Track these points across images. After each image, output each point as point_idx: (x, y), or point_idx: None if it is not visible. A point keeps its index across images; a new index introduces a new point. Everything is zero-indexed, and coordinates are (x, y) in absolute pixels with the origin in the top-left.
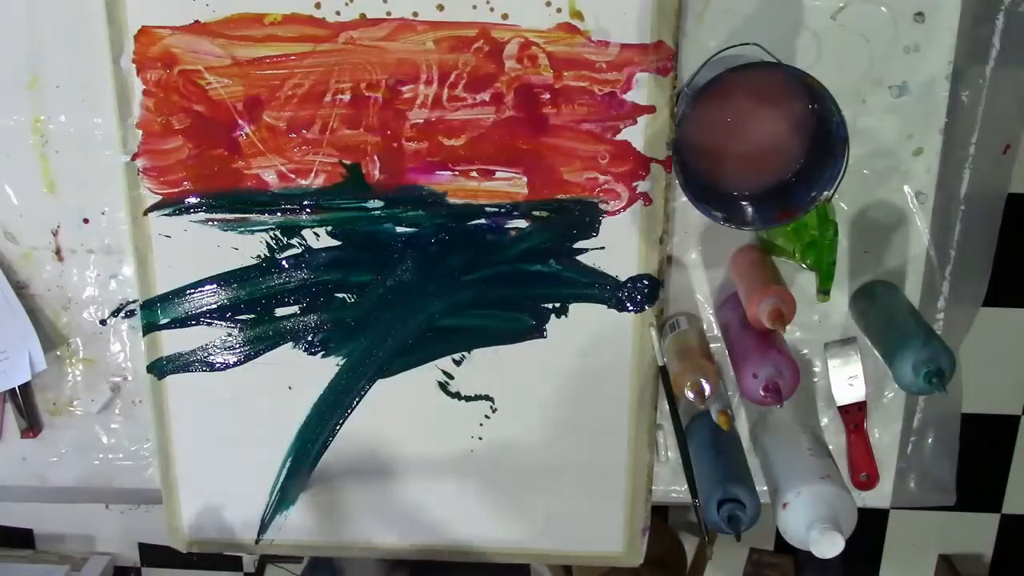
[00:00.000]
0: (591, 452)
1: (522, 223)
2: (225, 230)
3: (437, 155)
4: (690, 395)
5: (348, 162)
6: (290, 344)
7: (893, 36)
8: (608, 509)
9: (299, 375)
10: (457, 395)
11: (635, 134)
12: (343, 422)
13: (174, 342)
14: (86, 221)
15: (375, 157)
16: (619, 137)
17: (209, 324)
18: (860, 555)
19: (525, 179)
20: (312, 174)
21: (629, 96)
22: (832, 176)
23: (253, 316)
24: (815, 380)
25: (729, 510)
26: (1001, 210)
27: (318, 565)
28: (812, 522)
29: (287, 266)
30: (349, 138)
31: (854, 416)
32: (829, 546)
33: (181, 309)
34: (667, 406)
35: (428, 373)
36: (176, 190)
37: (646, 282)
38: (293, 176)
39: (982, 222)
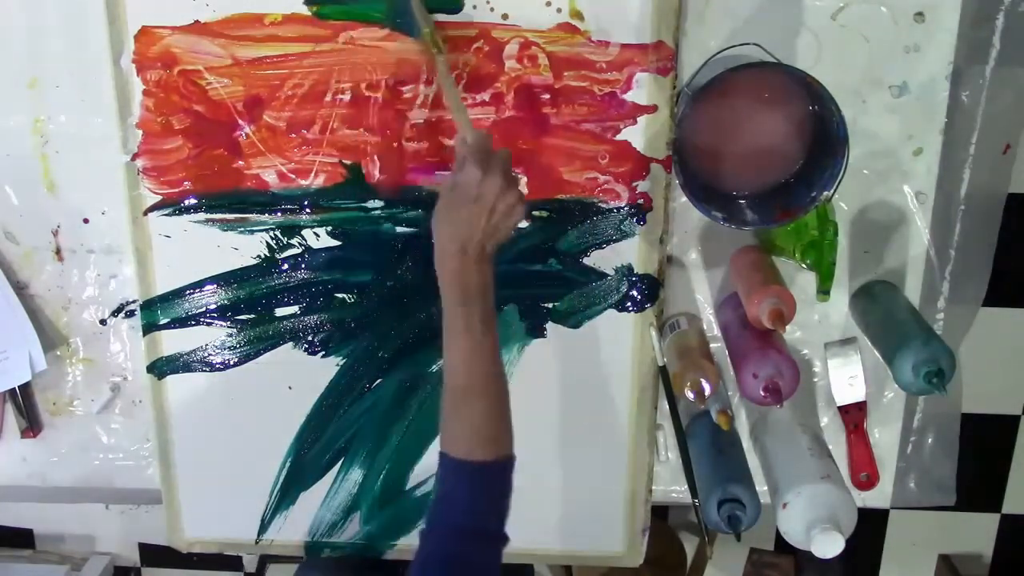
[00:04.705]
0: (591, 452)
1: (522, 223)
2: (225, 230)
3: (437, 155)
4: (690, 395)
5: (348, 162)
6: (290, 344)
7: (893, 36)
8: (608, 509)
9: (299, 375)
10: None
11: (635, 134)
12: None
13: (174, 342)
14: (86, 221)
15: (375, 157)
16: (619, 137)
17: (209, 324)
18: (860, 555)
19: (525, 179)
20: (312, 174)
21: (629, 96)
22: (832, 176)
23: (253, 316)
24: (815, 380)
25: (729, 510)
26: (1001, 210)
27: (308, 566)
28: (812, 522)
29: (287, 266)
30: (349, 138)
31: (854, 416)
32: (829, 546)
33: (181, 309)
34: (667, 406)
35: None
36: (176, 190)
37: (646, 282)
38: (293, 176)
39: (982, 222)
